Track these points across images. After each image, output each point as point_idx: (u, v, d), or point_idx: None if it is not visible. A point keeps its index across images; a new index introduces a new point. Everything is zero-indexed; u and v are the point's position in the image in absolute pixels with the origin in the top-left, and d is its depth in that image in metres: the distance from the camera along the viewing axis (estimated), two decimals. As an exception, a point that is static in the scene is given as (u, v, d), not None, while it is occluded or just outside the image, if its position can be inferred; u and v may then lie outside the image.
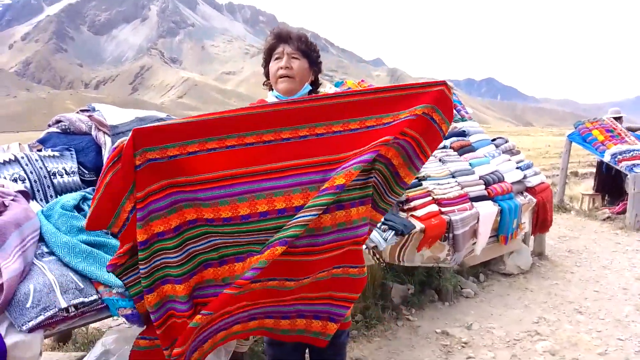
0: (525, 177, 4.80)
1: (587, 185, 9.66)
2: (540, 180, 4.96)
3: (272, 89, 2.06)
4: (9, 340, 1.62)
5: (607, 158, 6.85)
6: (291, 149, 1.59)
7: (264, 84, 2.09)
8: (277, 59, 1.98)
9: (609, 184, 7.81)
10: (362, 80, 4.80)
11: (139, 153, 1.46)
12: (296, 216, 1.54)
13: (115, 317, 1.93)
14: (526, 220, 4.78)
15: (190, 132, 1.52)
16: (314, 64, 2.06)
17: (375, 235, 3.11)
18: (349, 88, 4.59)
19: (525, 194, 4.76)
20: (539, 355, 3.03)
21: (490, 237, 4.25)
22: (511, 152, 5.08)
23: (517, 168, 4.82)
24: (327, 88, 4.53)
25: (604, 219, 7.01)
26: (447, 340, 3.22)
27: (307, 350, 2.20)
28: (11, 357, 1.61)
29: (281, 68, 1.95)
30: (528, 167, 4.98)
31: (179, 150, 1.50)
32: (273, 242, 1.59)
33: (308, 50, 2.02)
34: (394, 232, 3.23)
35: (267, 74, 2.07)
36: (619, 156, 6.79)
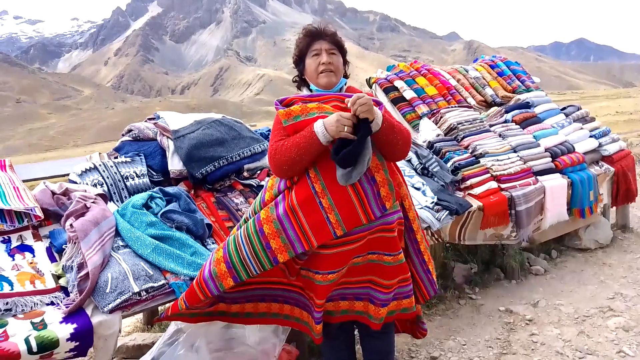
0: (600, 145, 4.48)
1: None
2: (619, 148, 4.60)
3: (303, 87, 2.19)
4: (94, 320, 1.93)
5: None
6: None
7: (293, 81, 2.22)
8: (315, 55, 2.10)
9: None
10: (415, 61, 4.75)
11: None
12: None
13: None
14: (604, 191, 4.48)
15: None
16: (345, 58, 2.17)
17: (428, 215, 3.14)
18: (401, 70, 4.58)
19: (601, 163, 4.46)
20: (610, 331, 2.89)
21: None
22: (584, 119, 4.76)
23: (591, 136, 4.52)
24: (378, 73, 4.56)
25: None
26: (511, 317, 3.18)
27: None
28: (96, 334, 1.92)
29: (322, 64, 2.06)
30: (604, 134, 4.63)
31: None
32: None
33: (342, 45, 2.15)
34: (447, 212, 3.23)
35: (301, 72, 2.19)
36: None
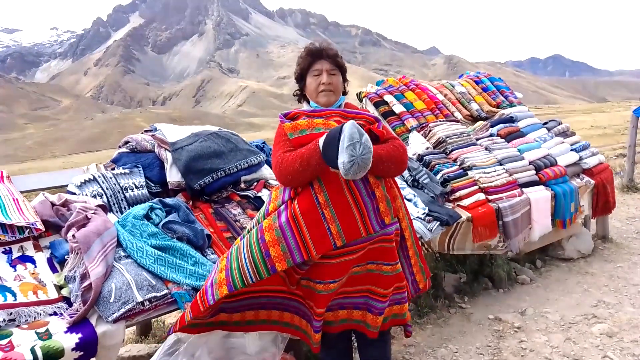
0: (581, 158, 4.66)
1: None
2: (598, 161, 4.78)
3: (303, 101, 2.28)
4: (99, 330, 1.95)
5: (679, 131, 6.40)
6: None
7: (294, 95, 2.30)
8: (316, 75, 2.18)
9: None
10: (403, 77, 4.89)
11: None
12: None
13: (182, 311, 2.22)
14: (585, 203, 4.64)
15: None
16: (344, 77, 2.26)
17: (419, 226, 3.22)
18: (391, 85, 4.70)
19: (582, 176, 4.62)
20: (595, 337, 3.01)
21: (546, 221, 4.18)
22: (565, 134, 4.94)
23: (571, 150, 4.69)
24: (368, 87, 4.67)
25: (681, 197, 6.55)
26: (500, 325, 3.27)
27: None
28: (100, 344, 1.94)
29: (323, 84, 2.16)
30: (584, 148, 4.82)
31: None
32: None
33: (342, 65, 2.24)
34: (438, 222, 3.32)
35: (302, 88, 2.27)
36: (693, 128, 6.32)
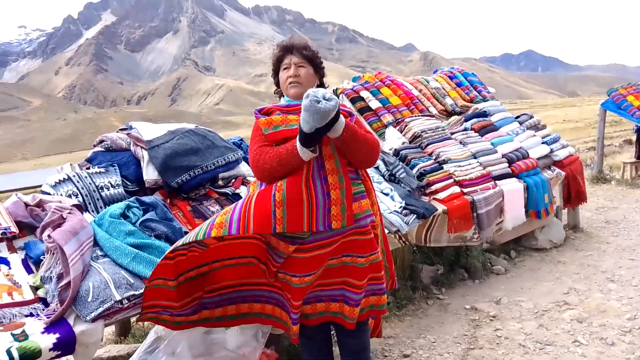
0: (551, 151, 4.80)
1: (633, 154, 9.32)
2: (569, 153, 4.94)
3: (283, 95, 2.30)
4: (77, 329, 1.93)
5: (643, 124, 6.66)
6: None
7: (275, 92, 2.32)
8: (285, 68, 2.20)
9: (652, 150, 7.56)
10: (379, 72, 4.94)
11: None
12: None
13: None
14: (556, 194, 4.79)
15: None
16: (318, 70, 2.27)
17: (397, 219, 3.28)
18: (367, 81, 4.75)
19: (553, 168, 4.77)
20: (567, 323, 3.12)
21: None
22: (536, 127, 5.08)
23: (542, 143, 4.83)
24: (344, 83, 4.71)
25: (646, 187, 6.81)
26: (476, 314, 3.36)
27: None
28: (79, 343, 1.92)
29: (290, 77, 2.17)
30: (555, 140, 4.97)
31: None
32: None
33: (312, 58, 2.24)
34: (415, 215, 3.39)
35: (277, 83, 2.30)
36: (657, 120, 6.58)
